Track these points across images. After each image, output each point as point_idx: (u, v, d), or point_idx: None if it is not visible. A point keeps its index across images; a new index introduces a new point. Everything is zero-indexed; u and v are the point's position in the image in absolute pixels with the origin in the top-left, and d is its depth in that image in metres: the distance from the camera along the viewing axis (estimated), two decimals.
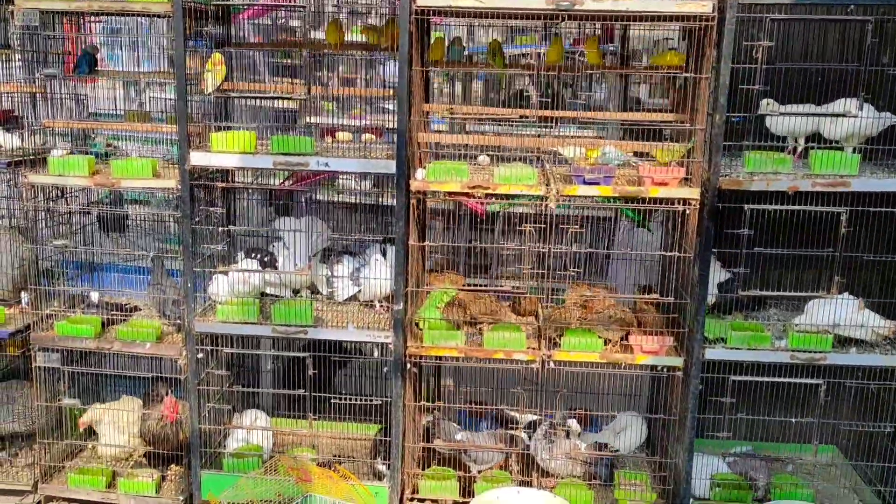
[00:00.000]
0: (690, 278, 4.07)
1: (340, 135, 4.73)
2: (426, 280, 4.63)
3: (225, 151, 4.04)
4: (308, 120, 5.08)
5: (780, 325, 4.27)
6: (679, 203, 3.92)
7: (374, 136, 4.69)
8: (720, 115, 3.82)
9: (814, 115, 4.02)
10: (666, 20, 3.76)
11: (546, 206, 3.91)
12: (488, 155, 4.45)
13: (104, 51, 5.20)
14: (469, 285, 4.73)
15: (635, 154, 4.21)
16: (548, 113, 4.06)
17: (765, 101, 4.12)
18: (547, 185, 3.94)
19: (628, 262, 5.03)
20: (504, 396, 4.58)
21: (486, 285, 5.71)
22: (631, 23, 3.89)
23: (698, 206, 3.91)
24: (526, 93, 6.41)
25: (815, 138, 4.13)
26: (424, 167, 4.12)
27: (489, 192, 3.93)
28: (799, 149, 4.26)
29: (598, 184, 3.91)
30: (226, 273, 4.31)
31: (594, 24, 4.42)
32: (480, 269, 6.06)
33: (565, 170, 4.17)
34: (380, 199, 4.93)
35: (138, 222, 4.96)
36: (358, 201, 5.07)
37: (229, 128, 4.19)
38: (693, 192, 3.89)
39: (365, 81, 5.48)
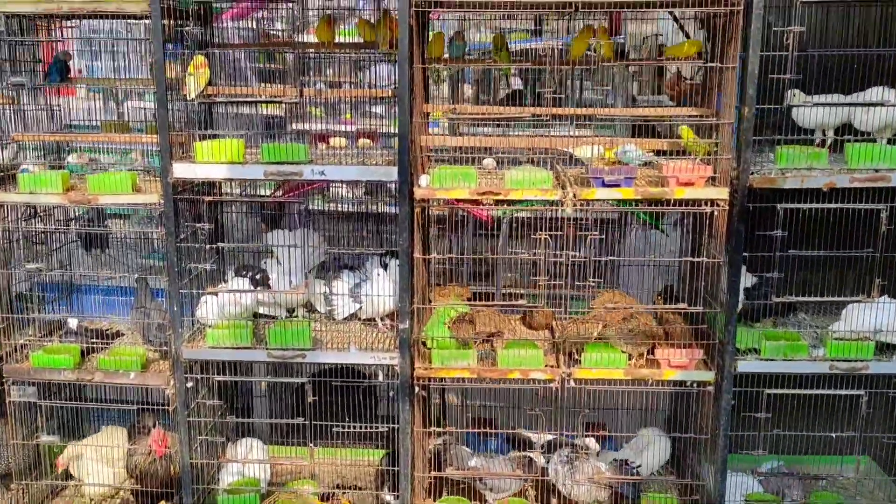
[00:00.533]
0: (718, 285, 3.77)
1: (334, 140, 4.41)
2: (431, 293, 4.31)
3: (211, 162, 3.70)
4: (299, 125, 4.78)
5: (815, 333, 3.97)
6: (706, 204, 3.61)
7: (370, 141, 4.37)
8: (749, 108, 3.52)
9: (849, 104, 3.73)
10: (690, 5, 3.45)
11: (559, 210, 3.60)
12: (494, 158, 4.15)
13: (81, 58, 4.86)
14: (475, 296, 4.42)
15: (655, 153, 3.90)
16: (562, 111, 3.74)
17: (791, 91, 3.83)
18: (563, 188, 3.63)
19: (641, 266, 4.73)
20: (516, 412, 4.26)
21: (492, 295, 5.42)
22: (649, 10, 3.58)
23: (727, 207, 3.60)
24: (522, 92, 6.13)
25: (844, 130, 3.85)
26: (428, 173, 3.80)
27: (500, 198, 3.61)
28: (828, 141, 3.97)
29: (618, 186, 3.59)
30: (215, 294, 3.96)
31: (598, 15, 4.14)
32: (485, 276, 5.76)
33: (578, 170, 3.86)
34: (375, 207, 4.62)
35: (121, 238, 4.61)
36: (354, 209, 4.74)
37: (215, 136, 3.86)
38: (721, 193, 3.58)
39: (359, 83, 5.16)
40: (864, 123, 3.81)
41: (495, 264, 5.14)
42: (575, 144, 3.82)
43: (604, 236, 3.72)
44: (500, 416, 4.47)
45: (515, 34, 6.11)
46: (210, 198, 3.85)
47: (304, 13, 4.21)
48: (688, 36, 5.27)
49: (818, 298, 3.91)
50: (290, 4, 3.81)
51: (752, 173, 3.58)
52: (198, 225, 3.83)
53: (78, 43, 4.68)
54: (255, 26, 5.23)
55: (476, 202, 3.66)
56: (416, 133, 3.75)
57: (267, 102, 3.75)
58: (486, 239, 5.40)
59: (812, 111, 3.84)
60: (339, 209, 4.63)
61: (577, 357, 3.86)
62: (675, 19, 5.13)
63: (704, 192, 3.59)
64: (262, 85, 5.32)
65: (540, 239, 3.66)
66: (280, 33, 4.68)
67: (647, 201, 3.64)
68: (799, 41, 3.48)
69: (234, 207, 4.39)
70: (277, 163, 3.69)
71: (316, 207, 4.99)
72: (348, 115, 5.57)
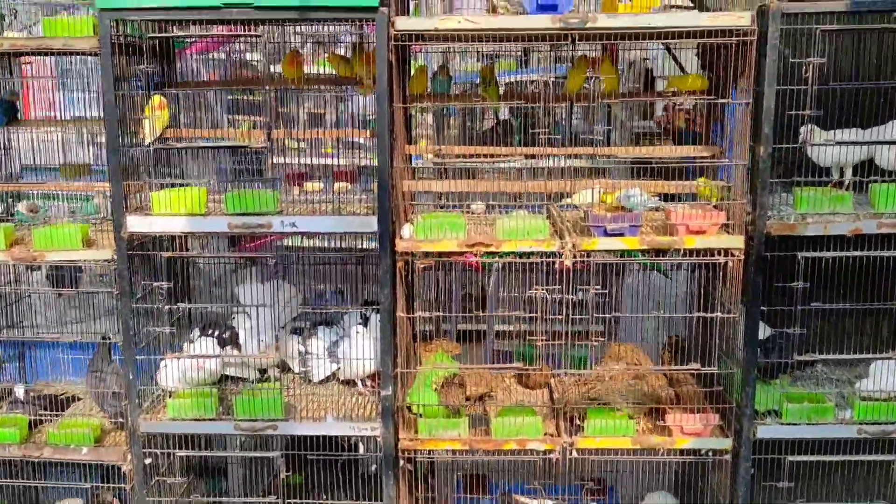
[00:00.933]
0: (733, 341, 3.41)
1: (309, 185, 4.04)
2: (415, 350, 3.92)
3: (169, 214, 3.32)
4: (272, 164, 4.41)
5: (839, 391, 3.62)
6: (720, 254, 3.26)
7: (347, 184, 4.00)
8: (766, 148, 3.18)
9: (876, 143, 3.40)
10: (698, 36, 3.12)
11: (560, 261, 3.24)
12: (483, 202, 3.80)
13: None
14: (465, 337, 4.05)
15: (660, 196, 3.56)
16: (558, 151, 3.39)
17: (807, 127, 3.50)
18: (560, 238, 3.27)
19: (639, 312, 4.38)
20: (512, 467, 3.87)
21: (483, 338, 5.05)
22: (651, 41, 3.25)
23: (742, 257, 3.25)
24: (509, 123, 5.78)
25: (864, 168, 3.52)
26: (411, 221, 3.44)
27: (492, 249, 3.25)
28: (846, 181, 3.64)
29: (621, 235, 3.24)
30: (177, 358, 3.57)
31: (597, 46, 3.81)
32: (475, 319, 5.40)
33: (575, 214, 3.51)
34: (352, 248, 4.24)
35: (72, 295, 4.22)
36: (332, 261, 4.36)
37: (175, 184, 3.48)
38: (736, 241, 3.23)
39: (334, 120, 4.81)
40: (889, 161, 3.48)
41: (488, 306, 4.76)
42: (573, 189, 3.47)
43: (606, 290, 3.34)
44: (494, 473, 4.10)
45: (502, 63, 5.77)
46: (169, 254, 3.45)
47: (280, 44, 3.84)
48: (681, 67, 4.96)
49: (844, 356, 3.55)
50: (266, 34, 3.43)
51: (770, 218, 3.24)
52: (155, 283, 3.43)
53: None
54: (226, 57, 4.89)
55: (465, 255, 3.29)
56: (397, 178, 3.39)
57: (232, 147, 3.39)
58: (475, 273, 5.03)
59: (830, 148, 3.51)
60: (316, 257, 4.23)
61: (578, 423, 3.48)
62: (668, 49, 4.82)
63: (718, 240, 3.24)
64: (235, 118, 4.98)
65: (536, 295, 3.29)
66: (257, 63, 4.36)
67: (654, 251, 3.28)
68: (819, 73, 3.15)
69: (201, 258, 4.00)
70: (243, 214, 3.32)
71: (291, 244, 4.60)
72: (328, 149, 5.21)
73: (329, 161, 4.53)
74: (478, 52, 4.89)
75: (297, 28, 3.95)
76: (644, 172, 3.84)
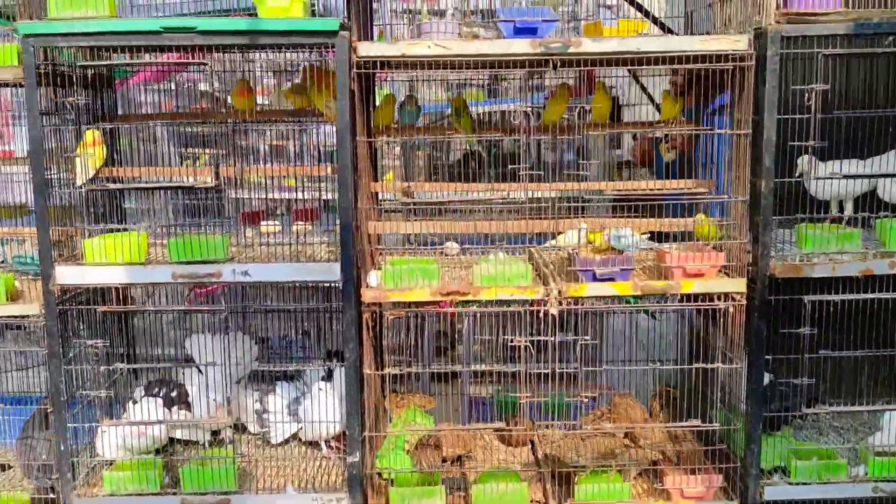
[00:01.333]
0: (732, 390, 3.11)
1: (266, 227, 3.68)
2: (385, 405, 3.57)
3: (104, 263, 2.94)
4: (226, 202, 4.07)
5: (852, 446, 3.33)
6: (720, 299, 2.96)
7: (307, 225, 3.65)
8: (767, 182, 2.90)
9: (884, 176, 3.14)
10: (691, 62, 2.84)
11: (544, 309, 2.92)
12: (457, 243, 3.49)
13: None
14: (441, 377, 3.70)
15: (650, 235, 3.26)
16: (543, 187, 3.09)
17: (805, 157, 3.24)
18: (545, 284, 2.96)
19: (624, 357, 4.07)
20: None
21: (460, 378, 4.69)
22: (639, 67, 2.97)
23: (744, 302, 2.95)
24: (478, 154, 5.48)
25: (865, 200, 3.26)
26: (378, 266, 3.10)
27: (469, 298, 2.91)
28: (846, 216, 3.37)
29: (612, 280, 2.93)
30: (116, 425, 3.17)
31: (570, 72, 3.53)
32: (451, 359, 5.05)
33: (556, 255, 3.19)
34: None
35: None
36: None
37: (112, 230, 3.10)
38: (737, 285, 2.94)
39: (298, 149, 4.47)
40: (893, 194, 3.23)
41: (464, 351, 4.41)
42: (556, 228, 3.15)
43: (594, 338, 3.02)
44: None
45: (470, 93, 5.46)
46: (105, 308, 3.07)
47: (231, 72, 3.50)
48: (649, 96, 4.71)
49: (857, 408, 3.26)
50: (213, 62, 3.08)
51: (772, 258, 2.95)
52: (90, 342, 3.04)
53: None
54: (176, 87, 4.53)
55: (440, 304, 2.95)
56: (362, 219, 3.05)
57: (173, 188, 3.03)
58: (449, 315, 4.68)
59: (828, 181, 3.24)
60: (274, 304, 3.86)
61: (568, 486, 3.13)
62: (635, 76, 4.56)
63: (717, 284, 2.94)
64: (191, 150, 4.60)
65: (520, 347, 2.96)
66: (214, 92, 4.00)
67: (648, 297, 2.97)
68: (823, 101, 2.88)
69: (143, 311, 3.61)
70: (189, 262, 2.95)
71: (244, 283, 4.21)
72: (291, 181, 4.85)
73: (289, 195, 4.19)
74: (444, 80, 4.61)
75: (256, 54, 3.62)
76: (630, 208, 3.54)
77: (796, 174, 3.23)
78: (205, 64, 2.86)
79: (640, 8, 4.69)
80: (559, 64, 2.87)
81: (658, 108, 4.99)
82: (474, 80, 5.40)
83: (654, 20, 4.62)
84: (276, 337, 4.06)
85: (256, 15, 2.87)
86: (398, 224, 3.18)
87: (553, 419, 3.28)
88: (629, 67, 2.87)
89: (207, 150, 4.76)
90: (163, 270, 2.94)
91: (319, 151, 4.76)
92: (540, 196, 3.25)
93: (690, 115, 3.54)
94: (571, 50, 2.81)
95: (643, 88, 4.74)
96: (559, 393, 3.07)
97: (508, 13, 2.83)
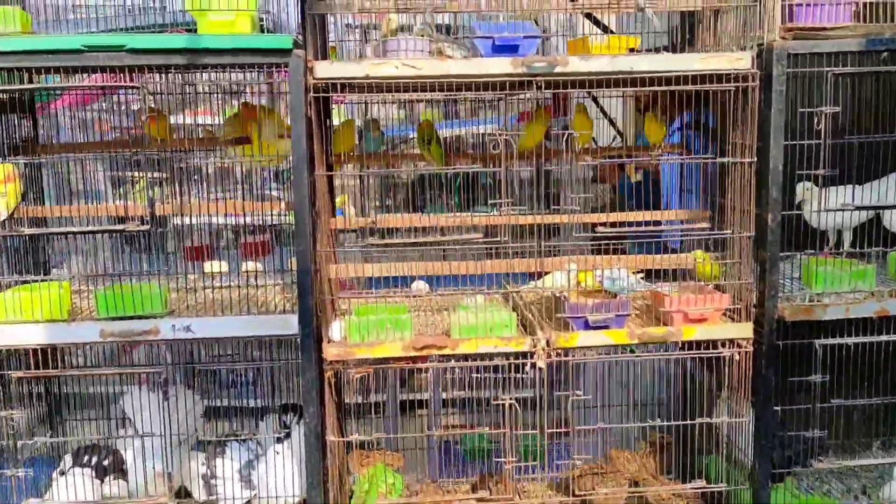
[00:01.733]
0: (733, 442, 2.82)
1: (210, 266, 3.28)
2: (351, 465, 3.19)
3: (19, 321, 2.51)
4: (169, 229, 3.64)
5: (854, 490, 3.05)
6: (724, 345, 2.66)
7: (258, 265, 3.26)
8: (774, 215, 2.61)
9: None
10: (688, 83, 2.54)
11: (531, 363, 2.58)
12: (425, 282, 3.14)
13: None
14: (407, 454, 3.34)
15: (644, 273, 2.95)
16: (526, 219, 2.76)
17: (802, 184, 2.97)
18: (531, 332, 2.62)
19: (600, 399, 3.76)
20: None
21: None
22: (632, 89, 2.65)
23: (751, 348, 2.66)
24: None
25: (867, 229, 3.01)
26: (341, 316, 2.73)
27: (447, 352, 2.56)
28: (844, 247, 3.12)
29: (606, 327, 2.61)
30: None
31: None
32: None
33: (537, 295, 2.86)
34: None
35: None
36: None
37: (29, 281, 2.67)
38: (744, 330, 2.65)
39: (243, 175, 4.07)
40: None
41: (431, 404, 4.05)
42: (539, 267, 2.81)
43: (589, 396, 2.70)
44: None
45: (426, 113, 5.08)
46: (21, 373, 2.62)
47: (167, 95, 3.09)
48: (604, 111, 4.44)
49: (871, 461, 2.99)
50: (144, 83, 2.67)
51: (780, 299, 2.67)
52: (3, 413, 2.60)
53: None
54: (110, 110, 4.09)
55: (413, 360, 2.59)
56: (323, 263, 2.68)
57: (102, 232, 2.61)
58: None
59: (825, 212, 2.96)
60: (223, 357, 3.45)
61: None
62: (595, 100, 4.29)
63: (722, 329, 2.65)
64: (132, 175, 4.16)
65: (505, 407, 2.62)
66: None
67: (646, 344, 2.66)
68: (833, 124, 2.61)
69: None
70: (121, 318, 2.54)
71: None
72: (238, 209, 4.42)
73: (237, 219, 3.77)
74: (400, 100, 4.24)
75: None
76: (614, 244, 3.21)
77: (796, 203, 2.97)
78: (136, 87, 2.45)
79: (597, 22, 4.41)
80: (543, 85, 2.54)
81: (619, 131, 4.73)
82: (429, 101, 5.06)
83: (605, 29, 4.35)
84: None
85: (196, 31, 2.50)
86: (363, 267, 2.81)
87: (534, 471, 2.93)
88: (623, 89, 2.55)
89: (145, 175, 4.36)
90: (89, 328, 2.52)
91: (269, 174, 4.38)
92: (522, 230, 2.91)
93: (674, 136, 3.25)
94: (558, 70, 2.49)
95: (602, 110, 4.48)
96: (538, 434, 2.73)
97: (486, 28, 2.50)
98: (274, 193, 4.24)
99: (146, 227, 2.49)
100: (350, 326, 2.58)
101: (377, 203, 4.94)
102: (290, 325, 2.56)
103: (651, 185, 4.13)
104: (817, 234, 3.03)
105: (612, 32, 4.05)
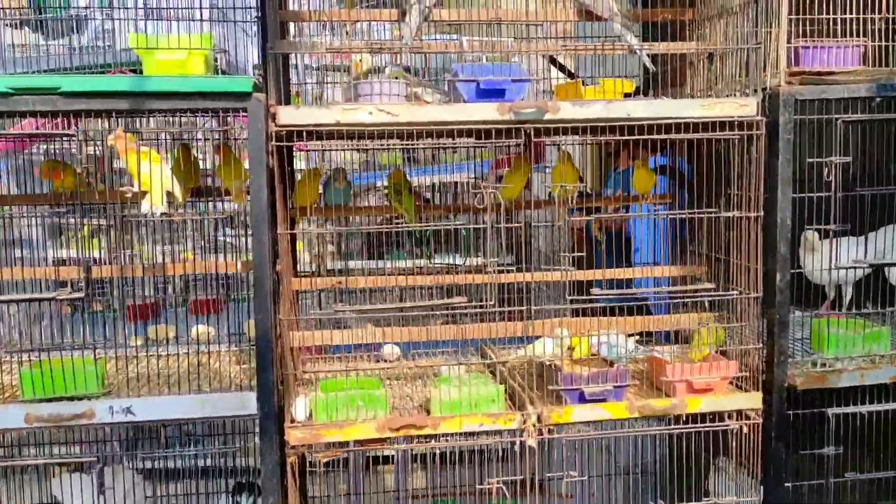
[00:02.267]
0: None
1: (155, 330, 2.96)
2: None
3: None
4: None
5: None
6: (731, 417, 2.42)
7: (210, 329, 2.94)
8: (783, 274, 2.39)
9: None
10: (689, 131, 2.33)
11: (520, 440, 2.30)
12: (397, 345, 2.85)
13: None
14: None
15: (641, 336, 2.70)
16: (517, 277, 2.50)
17: (804, 235, 2.78)
18: (519, 407, 2.34)
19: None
20: None
21: None
22: (628, 137, 2.41)
23: (760, 419, 2.42)
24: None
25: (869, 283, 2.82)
26: (304, 391, 2.42)
27: (427, 432, 2.26)
28: (845, 301, 2.93)
29: (603, 400, 2.34)
30: None
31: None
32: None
33: (521, 360, 2.58)
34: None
35: None
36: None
37: None
38: (753, 400, 2.41)
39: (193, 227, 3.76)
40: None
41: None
42: (526, 332, 2.54)
43: (585, 477, 2.42)
44: None
45: (382, 157, 4.76)
46: None
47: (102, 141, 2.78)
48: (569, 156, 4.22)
49: None
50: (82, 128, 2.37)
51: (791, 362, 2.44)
52: None
53: None
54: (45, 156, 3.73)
55: (387, 441, 2.29)
56: (285, 331, 2.37)
57: (28, 301, 2.27)
58: None
59: (824, 263, 2.75)
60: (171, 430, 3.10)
61: None
62: (557, 147, 4.08)
63: (729, 400, 2.40)
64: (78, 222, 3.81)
65: (491, 490, 2.32)
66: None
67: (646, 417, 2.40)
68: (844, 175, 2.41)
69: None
70: (50, 400, 2.20)
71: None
72: (188, 254, 4.08)
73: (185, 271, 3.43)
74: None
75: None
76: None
77: (798, 254, 2.77)
78: (71, 136, 2.15)
79: (562, 68, 4.23)
80: (532, 133, 2.29)
81: (580, 178, 4.50)
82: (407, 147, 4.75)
83: (571, 75, 4.15)
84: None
85: (142, 72, 2.21)
86: (330, 334, 2.50)
87: None
88: (619, 137, 2.32)
89: (88, 223, 4.00)
90: (13, 413, 2.17)
91: (218, 223, 4.05)
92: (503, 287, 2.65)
93: (663, 185, 3.03)
94: (548, 116, 2.25)
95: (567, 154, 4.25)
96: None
97: (469, 71, 2.25)
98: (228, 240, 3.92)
99: (80, 293, 2.16)
100: (317, 404, 2.27)
101: (338, 252, 4.62)
102: (247, 404, 2.24)
103: (623, 242, 3.92)
104: (812, 287, 2.84)
105: (576, 77, 3.87)
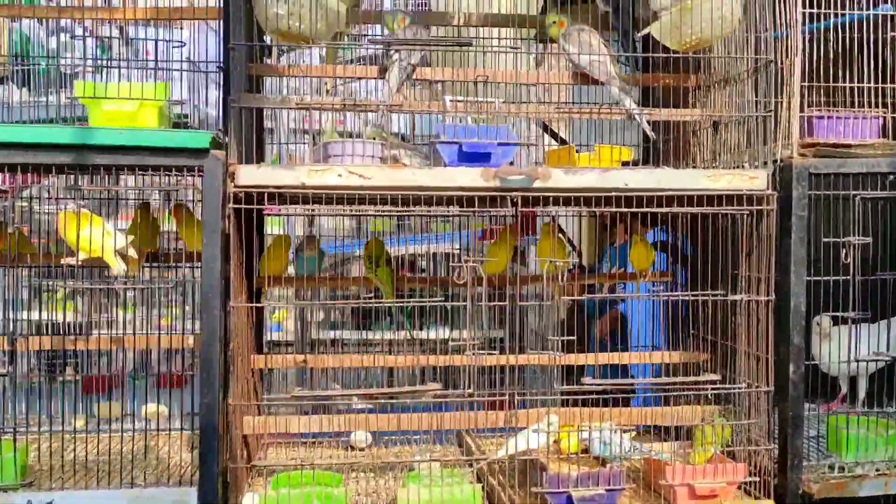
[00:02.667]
0: None
1: (103, 407, 2.68)
2: None
3: None
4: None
5: None
6: None
7: (163, 409, 2.66)
8: (797, 364, 2.14)
9: None
10: (689, 203, 2.11)
11: None
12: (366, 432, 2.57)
13: None
14: None
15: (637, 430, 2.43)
16: (502, 359, 2.24)
17: (819, 319, 2.54)
18: None
19: None
20: None
21: None
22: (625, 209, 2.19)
23: None
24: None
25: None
26: (255, 487, 2.14)
27: None
28: (860, 395, 2.67)
29: None
30: None
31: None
32: None
33: (495, 460, 2.31)
34: None
35: None
36: None
37: None
38: None
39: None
40: None
41: None
42: (511, 422, 2.27)
43: None
44: None
45: (378, 225, 4.55)
46: None
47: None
48: (563, 233, 4.00)
49: None
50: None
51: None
52: None
53: None
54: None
55: None
56: (238, 417, 2.10)
57: None
58: None
59: (838, 354, 2.50)
60: None
61: None
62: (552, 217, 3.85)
63: None
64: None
65: None
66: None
67: None
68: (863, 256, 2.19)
69: None
70: None
71: None
72: (167, 319, 3.79)
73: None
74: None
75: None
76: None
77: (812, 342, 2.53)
78: (3, 192, 1.92)
79: (554, 135, 4.06)
80: (520, 202, 2.07)
81: (573, 245, 4.27)
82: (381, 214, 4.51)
83: (563, 142, 3.98)
84: None
85: (87, 123, 2.00)
86: (288, 420, 2.22)
87: None
88: (616, 209, 2.09)
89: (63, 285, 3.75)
90: None
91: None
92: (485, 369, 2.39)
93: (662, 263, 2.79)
94: (538, 184, 2.03)
95: (562, 230, 4.03)
96: None
97: (452, 133, 2.04)
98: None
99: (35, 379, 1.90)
100: (267, 503, 1.99)
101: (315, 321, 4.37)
102: (187, 501, 1.96)
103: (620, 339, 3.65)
104: (820, 377, 2.58)
105: (565, 143, 3.69)
